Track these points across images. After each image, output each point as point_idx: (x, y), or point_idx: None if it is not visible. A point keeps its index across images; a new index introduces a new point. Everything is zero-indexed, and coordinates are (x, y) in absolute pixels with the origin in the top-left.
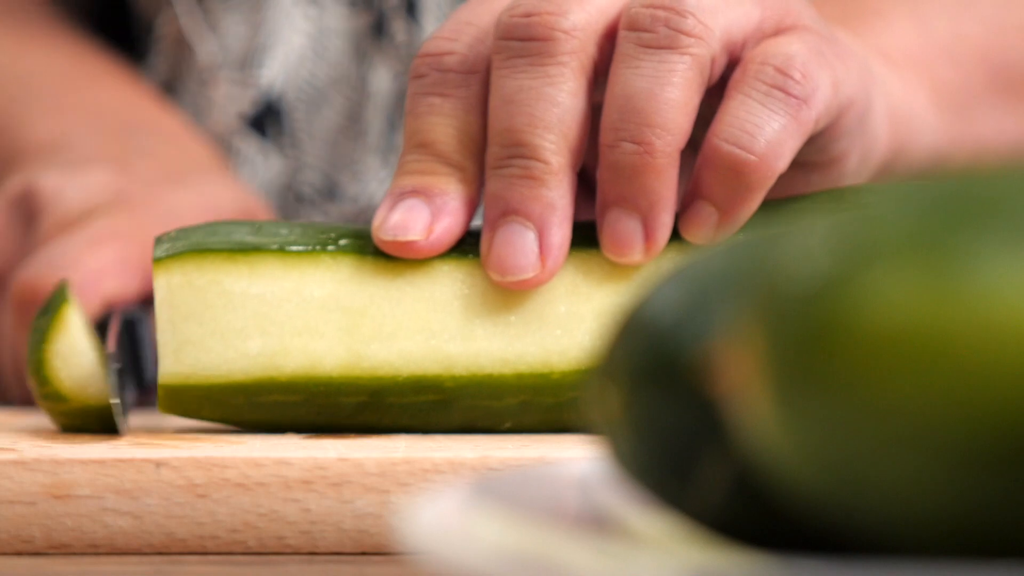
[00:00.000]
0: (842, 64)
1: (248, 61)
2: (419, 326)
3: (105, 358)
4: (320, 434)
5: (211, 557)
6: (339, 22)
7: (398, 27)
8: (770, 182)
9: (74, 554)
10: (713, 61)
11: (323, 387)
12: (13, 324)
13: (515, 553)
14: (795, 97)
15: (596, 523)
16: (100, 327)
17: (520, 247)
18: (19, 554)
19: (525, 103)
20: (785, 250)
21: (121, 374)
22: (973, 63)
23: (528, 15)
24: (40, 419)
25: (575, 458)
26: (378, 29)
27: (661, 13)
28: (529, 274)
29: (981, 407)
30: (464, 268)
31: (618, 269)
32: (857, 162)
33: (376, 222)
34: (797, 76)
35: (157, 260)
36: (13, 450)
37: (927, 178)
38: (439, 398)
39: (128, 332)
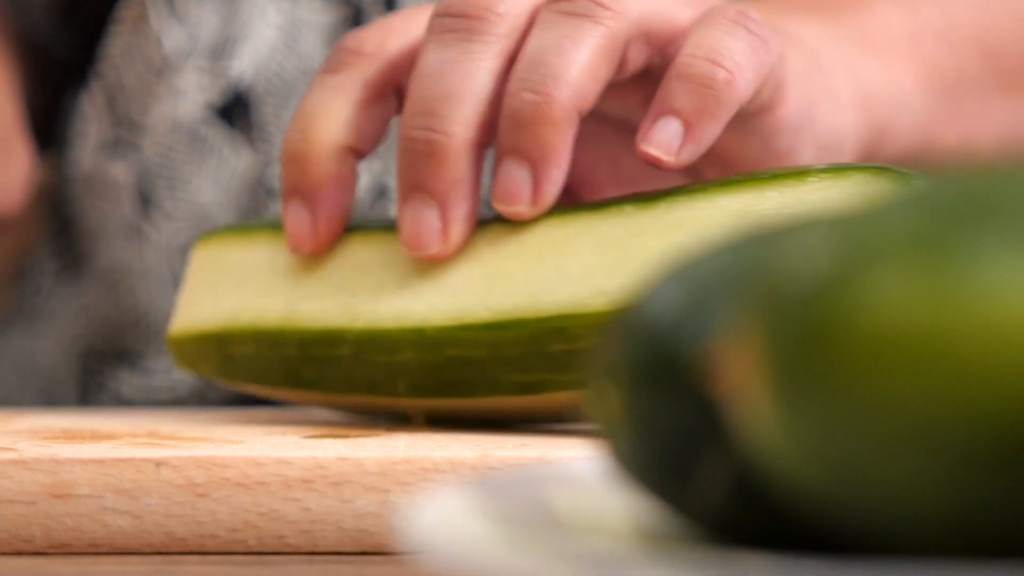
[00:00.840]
0: (765, 36)
1: (218, 52)
2: (342, 287)
3: None
4: (318, 432)
5: (211, 557)
6: (313, 15)
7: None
8: (736, 104)
9: (74, 554)
10: (628, 42)
11: (266, 338)
12: None
13: (514, 553)
14: (756, 35)
15: (595, 523)
16: None
17: (425, 224)
18: (19, 554)
19: (441, 75)
20: (785, 250)
21: None
22: (965, 46)
23: None
24: (40, 419)
25: (575, 458)
26: (355, 23)
27: None
28: (433, 249)
29: (981, 407)
30: (384, 236)
31: (507, 235)
32: (812, 154)
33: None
34: (756, 18)
35: (196, 244)
36: (13, 450)
37: (927, 178)
38: (348, 352)
39: None
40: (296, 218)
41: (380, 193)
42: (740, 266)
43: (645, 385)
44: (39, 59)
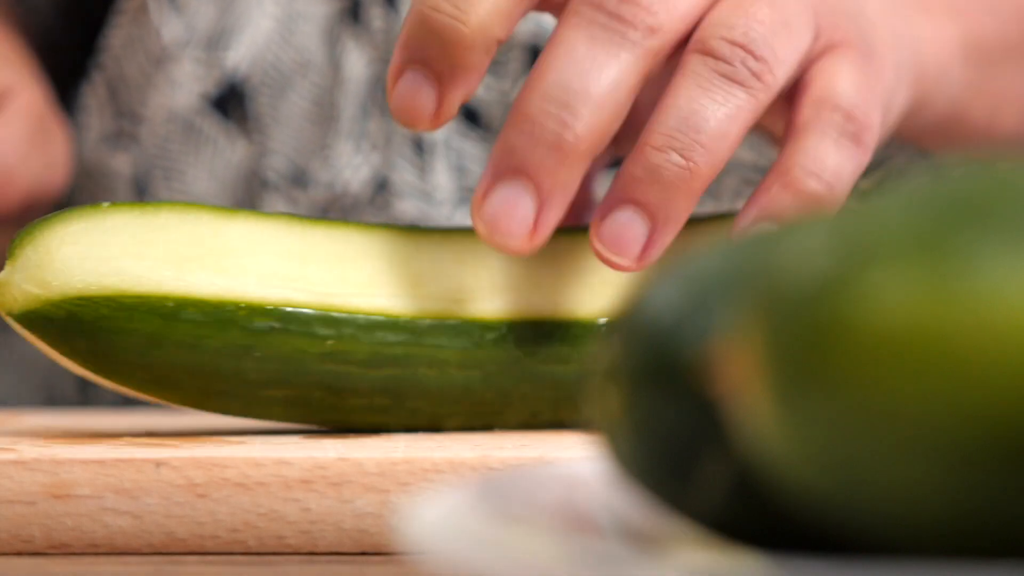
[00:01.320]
0: (882, 83)
1: (214, 42)
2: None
3: None
4: (318, 432)
5: (211, 557)
6: (310, 7)
7: (375, 14)
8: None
9: (74, 554)
10: (768, 106)
11: (244, 308)
12: None
13: (514, 553)
14: (861, 144)
15: (596, 523)
16: None
17: (520, 213)
18: (19, 554)
19: (589, 71)
20: (785, 250)
21: None
22: (1010, 15)
23: None
24: (40, 419)
25: (575, 458)
26: (353, 15)
27: (740, 51)
28: (515, 243)
29: (981, 407)
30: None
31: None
32: (880, 136)
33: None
34: (860, 118)
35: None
36: (13, 450)
37: (927, 178)
38: (280, 326)
39: None
40: (420, 92)
41: (380, 186)
42: (740, 266)
43: (645, 385)
44: (44, 53)
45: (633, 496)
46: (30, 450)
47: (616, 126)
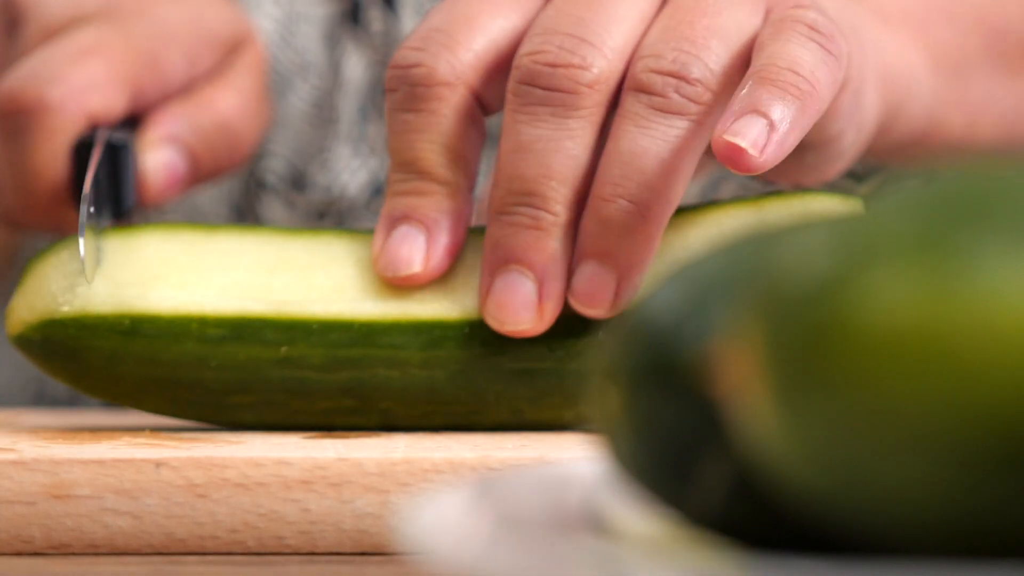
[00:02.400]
0: (837, 52)
1: None
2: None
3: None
4: (318, 432)
5: (211, 557)
6: (310, 9)
7: (374, 16)
8: (816, 116)
9: (74, 554)
10: (713, 122)
11: (196, 321)
12: None
13: (515, 553)
14: (829, 51)
15: (596, 523)
16: (82, 147)
17: (520, 297)
18: (19, 554)
19: (542, 153)
20: (785, 250)
21: (99, 205)
22: (969, 26)
23: (553, 65)
24: (40, 419)
25: (575, 458)
26: (353, 17)
27: (672, 80)
28: (526, 325)
29: (981, 407)
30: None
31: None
32: (852, 138)
33: (374, 251)
34: (823, 30)
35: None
36: (13, 450)
37: (926, 180)
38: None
39: (110, 157)
40: (409, 239)
41: (377, 190)
42: (740, 266)
43: (645, 385)
44: None
45: (633, 496)
46: (30, 450)
47: (586, 182)
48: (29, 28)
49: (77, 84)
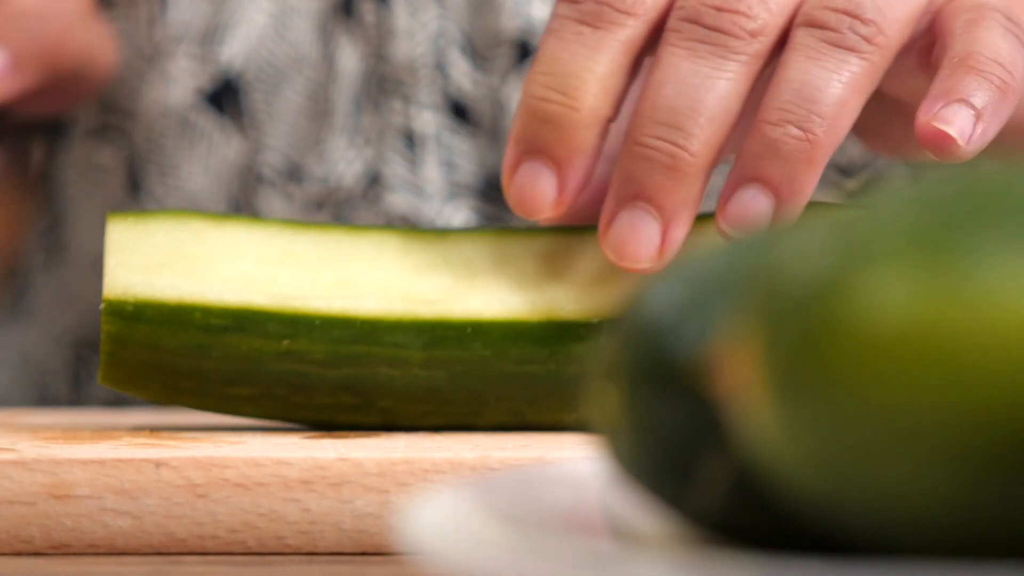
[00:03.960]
0: None
1: (208, 38)
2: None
3: None
4: (318, 433)
5: (211, 557)
6: (303, 2)
7: (367, 8)
8: (1012, 109)
9: (74, 554)
10: (886, 69)
11: (200, 310)
12: None
13: (514, 553)
14: (1003, 90)
15: (596, 523)
16: None
17: (644, 236)
18: (19, 554)
19: (695, 88)
20: (785, 250)
21: None
22: None
23: (719, 8)
24: (40, 419)
25: (575, 458)
26: (346, 10)
27: (846, 18)
28: (644, 264)
29: (981, 407)
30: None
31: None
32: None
33: (504, 176)
34: (1018, 21)
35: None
36: (13, 450)
37: (925, 180)
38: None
39: None
40: (540, 180)
41: (373, 180)
42: (740, 266)
43: (645, 385)
44: None
45: (633, 496)
46: (30, 450)
47: (729, 134)
48: None
49: None
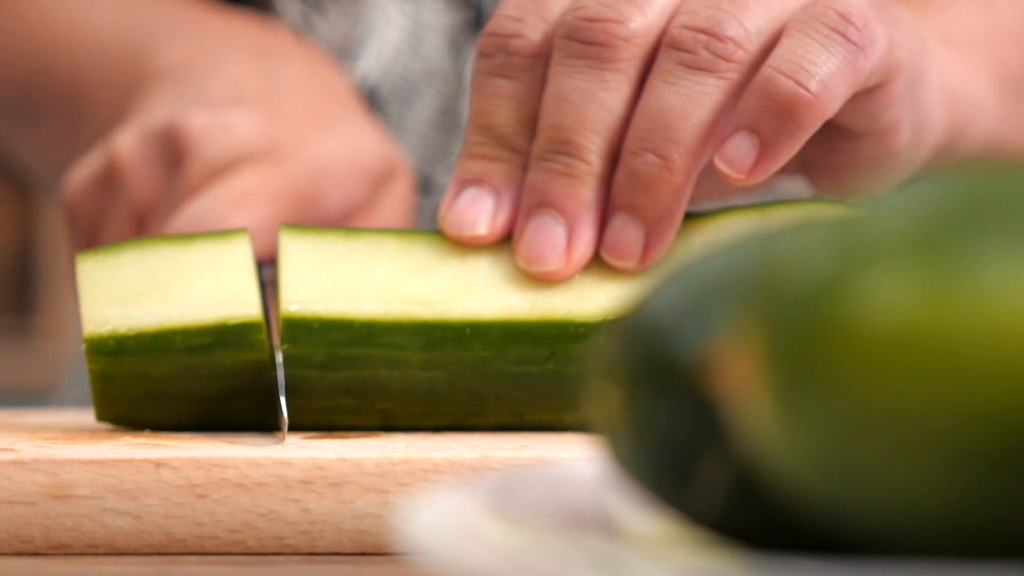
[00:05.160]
0: (896, 27)
1: (345, 53)
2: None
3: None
4: (318, 433)
5: (211, 557)
6: (435, 17)
7: None
8: (817, 123)
9: (73, 554)
10: (745, 81)
11: (180, 333)
12: None
13: (514, 553)
14: (853, 43)
15: (596, 523)
16: None
17: (550, 239)
18: (19, 554)
19: (578, 103)
20: (784, 251)
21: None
22: None
23: (591, 20)
24: (40, 419)
25: (575, 458)
26: (476, 24)
27: (703, 37)
28: (554, 266)
29: (980, 408)
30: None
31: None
32: (909, 135)
33: (442, 209)
34: (858, 23)
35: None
36: (13, 450)
37: (926, 182)
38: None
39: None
40: (478, 202)
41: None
42: (740, 267)
43: (645, 385)
44: None
45: (633, 496)
46: (30, 450)
47: (619, 133)
48: (192, 167)
49: (240, 226)
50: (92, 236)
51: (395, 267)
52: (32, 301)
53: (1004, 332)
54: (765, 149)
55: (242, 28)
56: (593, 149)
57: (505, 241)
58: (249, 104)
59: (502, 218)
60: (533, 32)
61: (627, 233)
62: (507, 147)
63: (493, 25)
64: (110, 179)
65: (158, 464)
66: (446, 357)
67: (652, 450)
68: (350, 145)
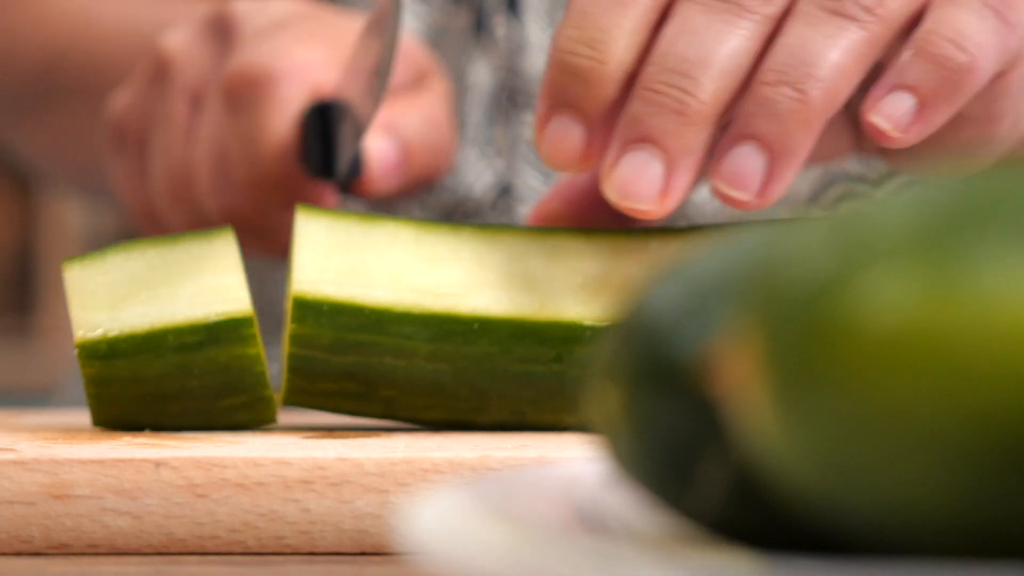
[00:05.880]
0: (1014, 22)
1: None
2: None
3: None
4: (318, 432)
5: (211, 557)
6: (444, 19)
7: (498, 22)
8: (973, 91)
9: (73, 554)
10: (886, 40)
11: (172, 332)
12: (224, 112)
13: (514, 553)
14: (1006, 21)
15: (596, 523)
16: (305, 119)
17: (648, 177)
18: (19, 554)
19: (708, 42)
20: (784, 250)
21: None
22: None
23: None
24: (40, 419)
25: (575, 458)
26: (478, 25)
27: None
28: (647, 205)
29: (980, 408)
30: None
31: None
32: (1008, 127)
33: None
34: (1009, 1)
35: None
36: (13, 450)
37: (927, 181)
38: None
39: (323, 124)
40: (568, 133)
41: (503, 191)
42: (739, 266)
43: (645, 385)
44: None
45: (633, 496)
46: (30, 450)
47: (737, 90)
48: (243, 34)
49: (300, 59)
50: (142, 143)
51: (409, 256)
52: (32, 301)
53: (1004, 332)
54: (923, 109)
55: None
56: (711, 90)
57: (518, 240)
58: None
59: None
60: None
61: (750, 163)
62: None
63: None
64: (158, 76)
65: (158, 464)
66: (452, 351)
67: (652, 450)
68: None
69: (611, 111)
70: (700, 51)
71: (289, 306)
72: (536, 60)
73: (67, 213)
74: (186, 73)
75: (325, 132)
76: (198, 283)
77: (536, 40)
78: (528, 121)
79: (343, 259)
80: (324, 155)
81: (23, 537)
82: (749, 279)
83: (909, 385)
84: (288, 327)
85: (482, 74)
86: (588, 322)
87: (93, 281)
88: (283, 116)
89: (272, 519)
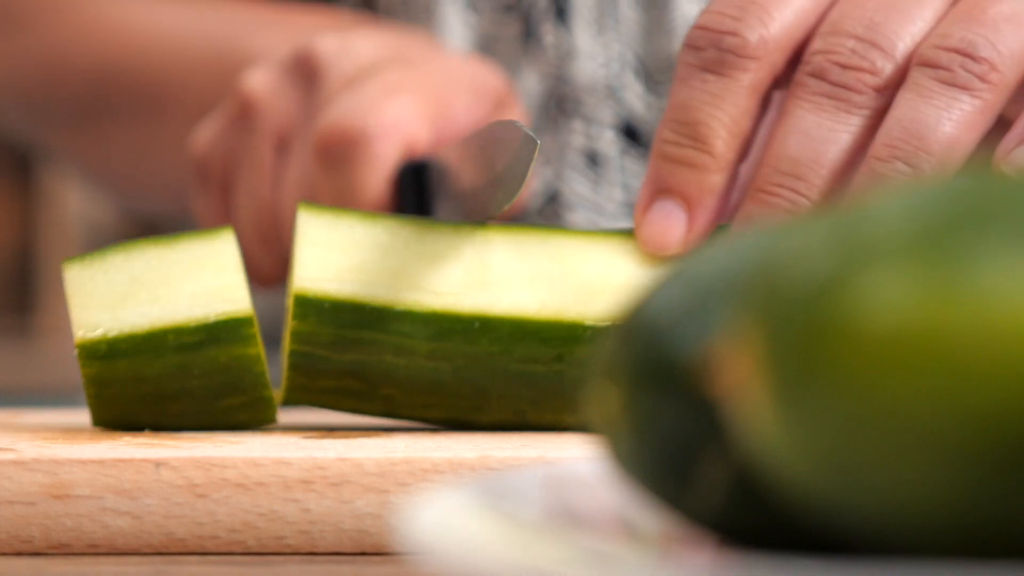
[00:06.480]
0: None
1: None
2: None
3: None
4: (318, 432)
5: (211, 557)
6: (494, 27)
7: (547, 30)
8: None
9: (73, 554)
10: (1001, 105)
11: (172, 332)
12: (317, 168)
13: (514, 553)
14: None
15: (595, 523)
16: (399, 176)
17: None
18: (19, 554)
19: (818, 141)
20: (784, 250)
21: None
22: None
23: (844, 65)
24: (40, 419)
25: (575, 458)
26: (527, 33)
27: (958, 56)
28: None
29: (980, 408)
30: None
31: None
32: None
33: (636, 216)
34: None
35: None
36: (13, 450)
37: (926, 181)
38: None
39: (417, 180)
40: (672, 218)
41: (551, 198)
42: (739, 266)
43: (645, 385)
44: None
45: (633, 496)
46: (30, 450)
47: (843, 180)
48: (330, 79)
49: (393, 115)
50: (226, 183)
51: (410, 255)
52: (32, 301)
53: (1004, 332)
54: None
55: (323, 20)
56: (819, 187)
57: (520, 237)
58: (370, 30)
59: (695, 233)
60: (750, 32)
61: None
62: (706, 151)
63: (707, 19)
64: (243, 116)
65: (158, 464)
66: (453, 349)
67: (652, 450)
68: (470, 65)
69: (718, 198)
70: (810, 152)
71: (290, 303)
72: (584, 68)
73: (67, 213)
74: (272, 116)
75: (419, 189)
76: (198, 283)
77: (584, 48)
78: (577, 129)
79: (344, 257)
80: (417, 212)
81: (23, 537)
82: (749, 279)
83: (909, 385)
84: (289, 324)
85: (531, 82)
86: (588, 322)
87: (93, 281)
88: (377, 175)
89: (272, 519)
